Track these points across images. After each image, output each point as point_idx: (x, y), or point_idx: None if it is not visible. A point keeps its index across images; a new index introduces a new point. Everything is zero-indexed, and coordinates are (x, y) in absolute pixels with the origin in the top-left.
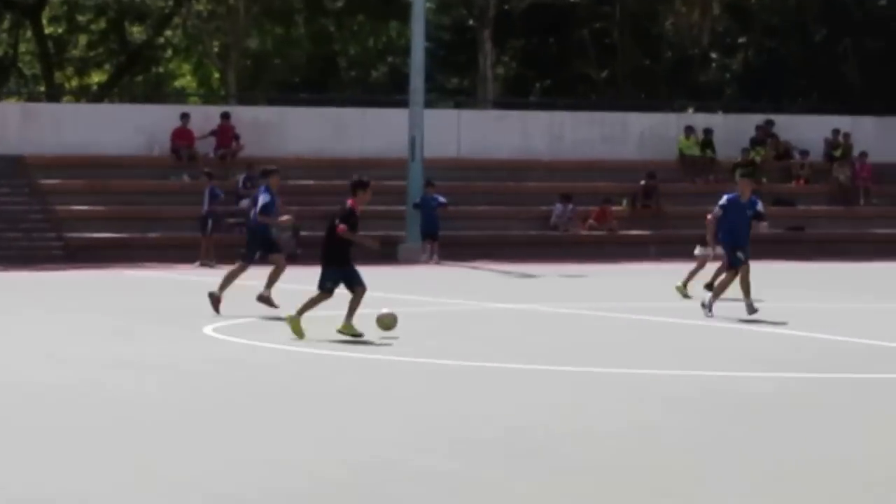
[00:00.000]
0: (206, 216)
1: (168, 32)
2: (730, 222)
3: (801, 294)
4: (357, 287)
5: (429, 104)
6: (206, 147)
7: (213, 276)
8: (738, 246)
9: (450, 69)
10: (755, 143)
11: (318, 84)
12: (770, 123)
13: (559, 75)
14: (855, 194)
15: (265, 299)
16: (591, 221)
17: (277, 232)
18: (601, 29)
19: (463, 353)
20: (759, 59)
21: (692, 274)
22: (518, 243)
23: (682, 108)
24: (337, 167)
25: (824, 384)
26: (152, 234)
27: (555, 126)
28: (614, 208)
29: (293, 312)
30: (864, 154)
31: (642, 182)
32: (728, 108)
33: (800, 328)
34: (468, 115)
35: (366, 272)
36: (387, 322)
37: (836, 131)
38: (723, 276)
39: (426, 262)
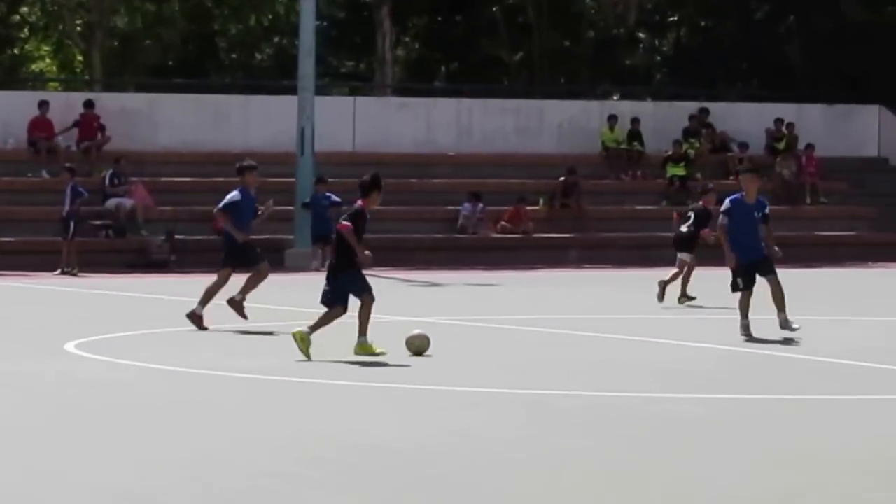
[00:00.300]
0: (68, 217)
1: (24, 9)
2: (734, 229)
3: (729, 310)
4: (339, 306)
5: (320, 91)
6: (67, 139)
7: (75, 286)
8: (748, 262)
9: (344, 51)
10: (688, 134)
11: (195, 68)
12: (705, 112)
13: (467, 58)
14: (800, 191)
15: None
16: (503, 223)
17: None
18: (514, 6)
19: (347, 373)
20: (693, 40)
21: (685, 280)
22: (421, 248)
23: (605, 95)
24: (216, 162)
25: (760, 406)
26: (7, 238)
27: (462, 115)
28: (530, 208)
29: (304, 329)
30: (810, 146)
31: (561, 178)
32: (657, 95)
33: (735, 342)
34: (365, 103)
35: (244, 280)
36: (418, 344)
37: (778, 121)
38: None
39: (317, 269)
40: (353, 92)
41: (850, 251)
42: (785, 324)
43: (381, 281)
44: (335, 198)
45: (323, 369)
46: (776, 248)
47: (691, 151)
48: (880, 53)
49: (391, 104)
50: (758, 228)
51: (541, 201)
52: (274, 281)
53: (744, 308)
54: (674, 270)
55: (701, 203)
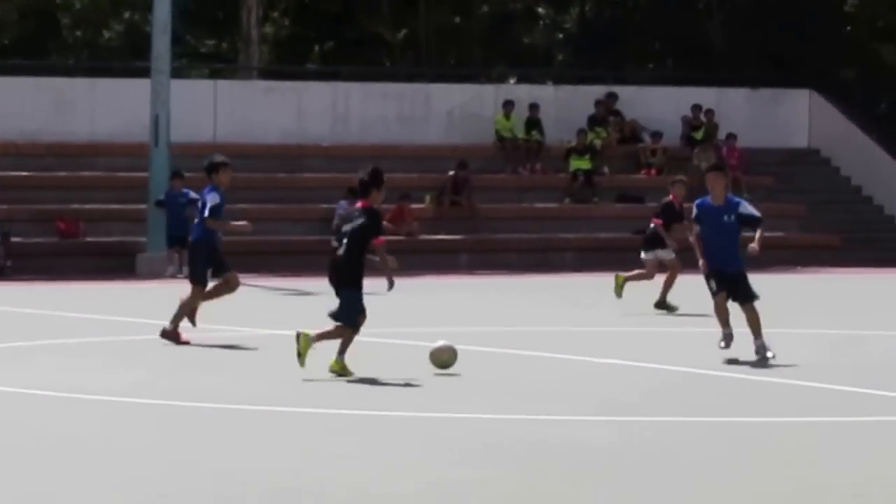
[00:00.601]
0: None
1: None
2: (705, 237)
3: (648, 316)
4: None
5: (177, 73)
6: None
7: None
8: (720, 270)
9: (204, 28)
10: (594, 122)
11: (34, 47)
12: (613, 97)
13: (344, 36)
14: None
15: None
16: (384, 223)
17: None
18: None
19: (214, 394)
20: (599, 16)
21: (635, 276)
22: (292, 251)
23: (500, 79)
24: (57, 154)
25: (680, 429)
26: None
27: (338, 101)
28: (414, 206)
29: (311, 333)
30: (731, 136)
31: (451, 172)
32: (559, 79)
33: (646, 359)
34: (227, 88)
35: (95, 289)
36: (444, 358)
37: (696, 107)
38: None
39: (173, 275)
40: (215, 74)
41: (777, 254)
42: (760, 350)
43: (246, 290)
44: (193, 194)
45: (195, 392)
46: (754, 246)
47: (597, 142)
48: (810, 31)
49: (257, 88)
50: (731, 235)
51: (427, 199)
52: (125, 290)
53: (722, 314)
54: (639, 271)
55: (670, 197)
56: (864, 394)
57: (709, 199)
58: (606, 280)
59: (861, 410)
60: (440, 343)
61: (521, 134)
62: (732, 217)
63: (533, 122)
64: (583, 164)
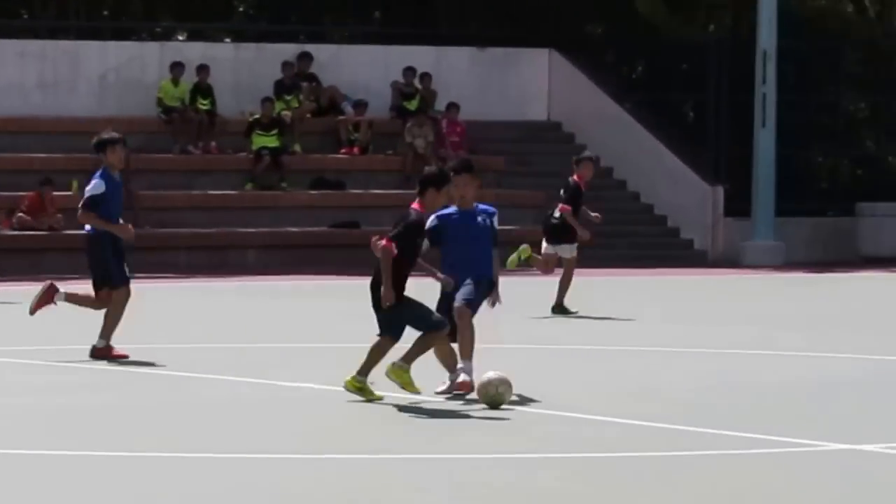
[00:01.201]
0: None
1: None
2: (453, 245)
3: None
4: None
5: None
6: None
7: None
8: (476, 277)
9: None
10: (282, 89)
11: None
12: (306, 58)
13: None
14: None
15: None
16: (20, 214)
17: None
18: None
19: None
20: None
21: (538, 261)
22: None
23: (167, 35)
24: None
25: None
26: None
27: None
28: (58, 194)
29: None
30: (453, 106)
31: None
32: (240, 35)
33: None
34: None
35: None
36: (493, 394)
37: (409, 71)
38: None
39: None
40: None
41: (508, 254)
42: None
43: None
44: None
45: None
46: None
47: (287, 114)
48: None
49: None
50: (486, 239)
51: (74, 184)
52: None
53: (447, 356)
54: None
55: (574, 178)
56: (621, 424)
57: (452, 207)
58: (300, 283)
59: (631, 445)
60: (491, 374)
61: (189, 103)
62: (487, 221)
63: (204, 90)
64: (269, 141)
